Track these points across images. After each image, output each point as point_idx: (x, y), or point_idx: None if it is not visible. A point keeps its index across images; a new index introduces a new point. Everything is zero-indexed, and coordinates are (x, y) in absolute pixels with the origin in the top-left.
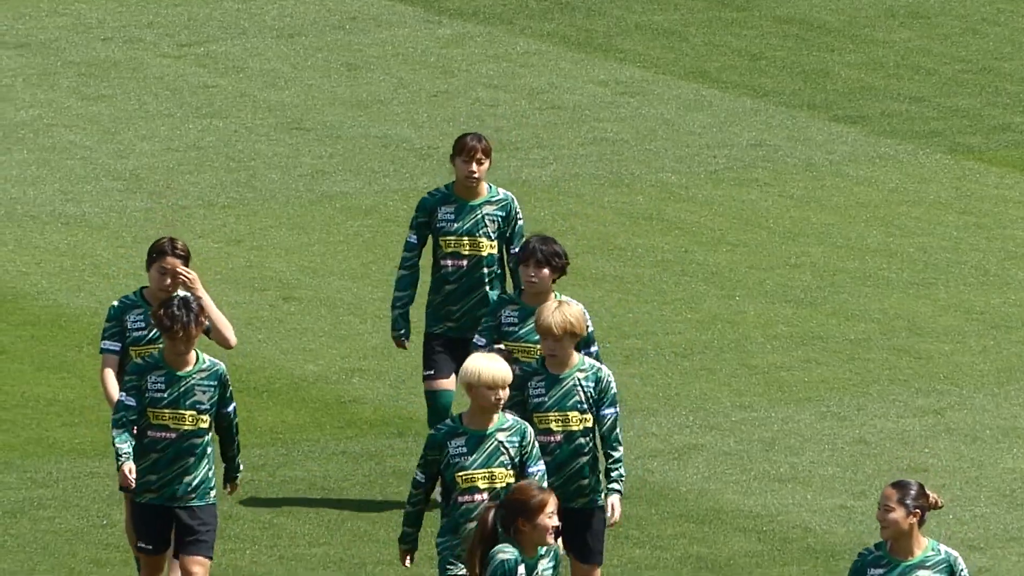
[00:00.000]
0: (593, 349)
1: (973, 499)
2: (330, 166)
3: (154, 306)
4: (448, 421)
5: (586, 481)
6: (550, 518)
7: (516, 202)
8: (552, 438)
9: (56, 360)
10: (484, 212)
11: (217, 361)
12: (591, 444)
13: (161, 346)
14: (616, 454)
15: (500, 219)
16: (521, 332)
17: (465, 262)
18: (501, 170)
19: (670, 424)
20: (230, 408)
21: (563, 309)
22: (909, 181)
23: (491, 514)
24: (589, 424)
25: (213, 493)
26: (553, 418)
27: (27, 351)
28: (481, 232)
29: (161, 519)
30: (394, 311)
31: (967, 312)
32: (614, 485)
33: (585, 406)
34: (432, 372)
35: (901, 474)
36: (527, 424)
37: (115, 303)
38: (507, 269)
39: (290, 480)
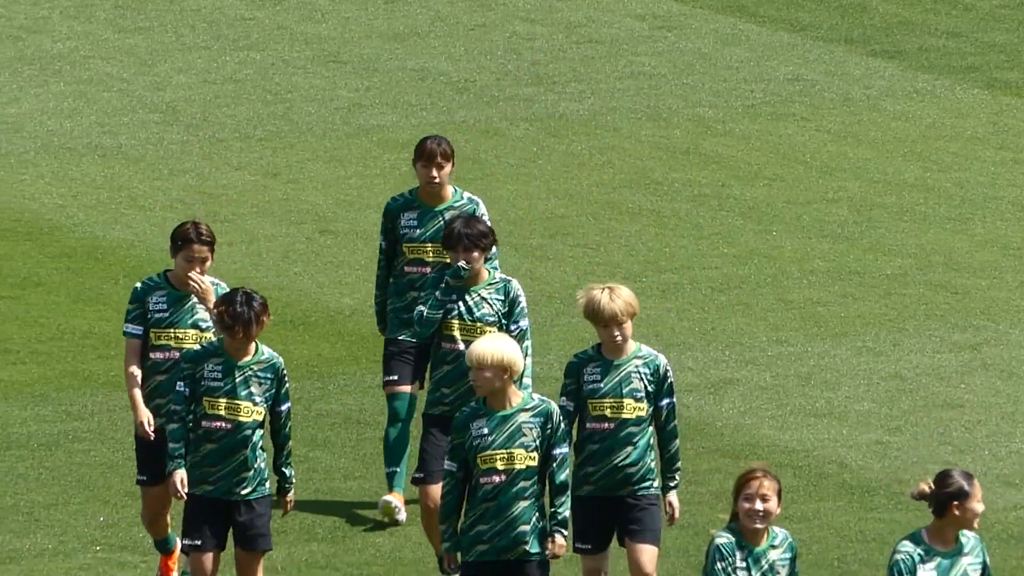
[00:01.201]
0: (523, 324)
1: (1009, 435)
2: (367, 99)
3: (216, 301)
4: (472, 403)
5: (634, 469)
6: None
7: (482, 206)
8: (605, 425)
9: (92, 292)
10: (447, 218)
11: (275, 354)
12: (644, 432)
13: (175, 332)
14: (673, 447)
15: None
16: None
17: (429, 268)
18: (538, 104)
19: (706, 358)
20: (284, 407)
21: (617, 292)
22: (946, 116)
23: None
24: (643, 413)
25: (268, 484)
26: (608, 405)
27: (63, 283)
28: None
29: (215, 512)
30: (376, 306)
31: (1004, 247)
32: (671, 481)
33: (641, 394)
34: (395, 378)
35: (937, 410)
36: (553, 404)
37: (138, 284)
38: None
39: (325, 414)
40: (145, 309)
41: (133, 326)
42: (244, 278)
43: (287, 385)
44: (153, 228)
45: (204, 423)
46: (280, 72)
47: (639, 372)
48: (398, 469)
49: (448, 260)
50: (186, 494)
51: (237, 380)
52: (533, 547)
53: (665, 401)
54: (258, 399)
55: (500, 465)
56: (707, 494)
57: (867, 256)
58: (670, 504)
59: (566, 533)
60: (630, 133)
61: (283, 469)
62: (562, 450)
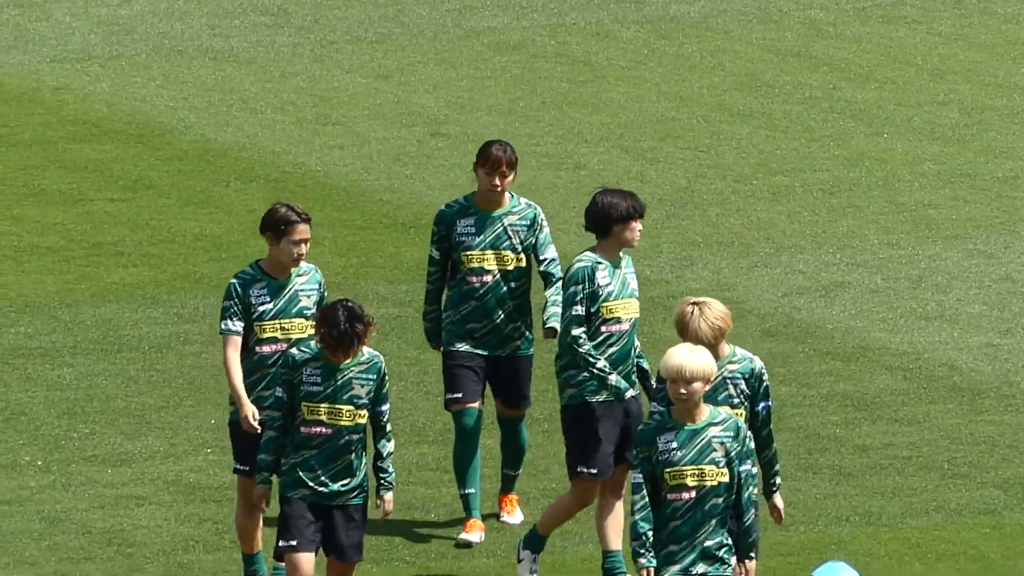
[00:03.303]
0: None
1: None
2: (478, 1)
3: (317, 319)
4: (656, 415)
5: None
6: None
7: (540, 211)
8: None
9: (203, 195)
10: (507, 223)
11: (376, 353)
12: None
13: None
14: (770, 452)
15: (524, 229)
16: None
17: (490, 277)
18: (650, 5)
19: (817, 261)
20: (384, 407)
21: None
22: None
23: None
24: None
25: (367, 492)
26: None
27: (174, 186)
28: (505, 245)
29: (314, 517)
30: (426, 323)
31: None
32: (773, 486)
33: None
34: (460, 395)
35: None
36: (740, 420)
37: (234, 280)
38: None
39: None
40: (246, 304)
41: (233, 323)
42: (355, 180)
43: (388, 387)
44: (264, 131)
45: (303, 428)
46: None
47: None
48: (473, 490)
49: (509, 267)
50: (286, 495)
51: (338, 383)
52: (717, 569)
53: (761, 405)
54: (360, 402)
55: (691, 482)
56: (818, 396)
57: (978, 159)
58: (775, 507)
59: (754, 555)
60: (741, 35)
61: (382, 468)
62: (746, 467)
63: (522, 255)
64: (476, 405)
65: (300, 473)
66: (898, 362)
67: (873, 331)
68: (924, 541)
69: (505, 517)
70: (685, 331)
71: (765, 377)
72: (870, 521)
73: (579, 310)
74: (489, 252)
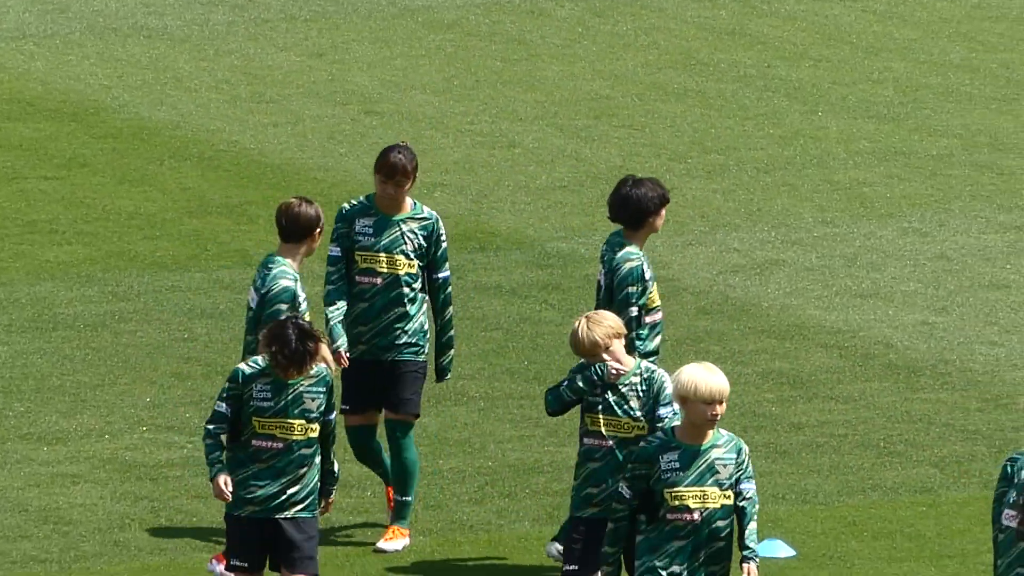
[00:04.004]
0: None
1: None
2: None
3: (265, 338)
4: (660, 434)
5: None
6: None
7: (441, 223)
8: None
9: (137, 173)
10: (404, 229)
11: (323, 367)
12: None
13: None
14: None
15: (422, 237)
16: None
17: (380, 280)
18: None
19: (752, 239)
20: (332, 416)
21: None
22: None
23: None
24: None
25: (316, 505)
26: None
27: (109, 164)
28: (399, 249)
29: (262, 533)
30: (329, 324)
31: None
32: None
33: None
34: (348, 408)
35: (983, 290)
36: (741, 440)
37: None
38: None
39: None
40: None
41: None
42: (290, 158)
43: (334, 396)
44: (198, 109)
45: (255, 442)
46: None
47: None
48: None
49: (401, 271)
50: (232, 514)
51: (289, 398)
52: None
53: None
54: (311, 415)
55: (692, 503)
56: (753, 374)
57: (913, 137)
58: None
59: (758, 561)
60: (675, 13)
61: (330, 471)
62: (750, 485)
63: (414, 262)
64: (364, 421)
65: (248, 487)
66: (833, 340)
67: (808, 309)
68: (860, 519)
69: (382, 543)
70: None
71: (668, 386)
72: (806, 499)
73: (635, 312)
74: (382, 255)
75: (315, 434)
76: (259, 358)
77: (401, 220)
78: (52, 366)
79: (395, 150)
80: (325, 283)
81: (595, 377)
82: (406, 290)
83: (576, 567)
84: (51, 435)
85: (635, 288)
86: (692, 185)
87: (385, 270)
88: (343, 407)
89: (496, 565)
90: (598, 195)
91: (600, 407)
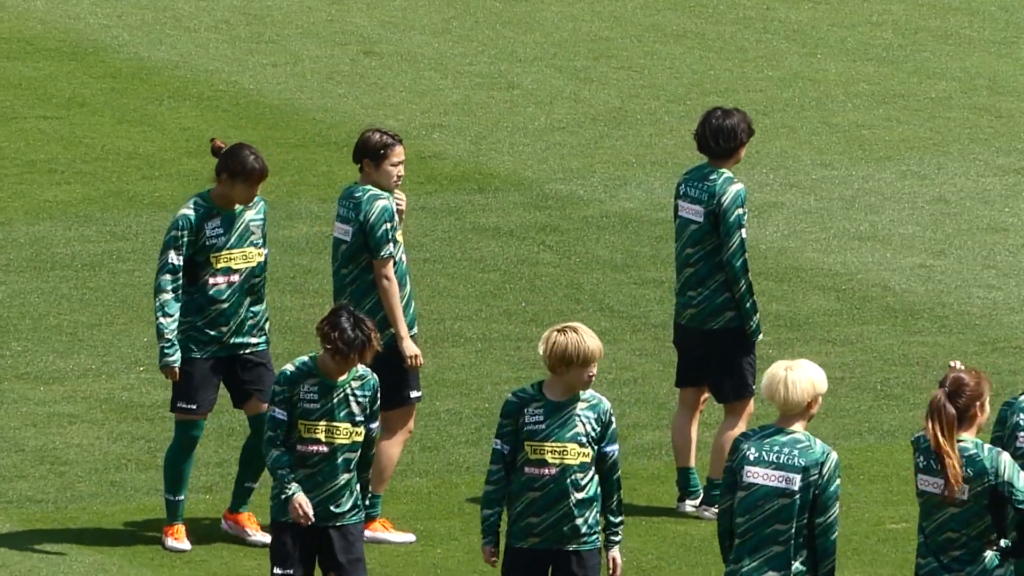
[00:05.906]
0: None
1: None
2: None
3: (321, 322)
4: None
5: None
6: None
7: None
8: (547, 470)
9: (136, 113)
10: (247, 220)
11: (368, 370)
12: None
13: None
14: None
15: (262, 223)
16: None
17: (237, 276)
18: None
19: (750, 181)
20: (374, 425)
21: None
22: None
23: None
24: (587, 460)
25: (362, 510)
26: (549, 448)
27: (107, 104)
28: (249, 242)
29: (309, 541)
30: (163, 340)
31: None
32: (614, 535)
33: (584, 439)
34: (194, 407)
35: (981, 233)
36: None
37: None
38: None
39: None
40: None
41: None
42: (288, 99)
43: (379, 403)
44: (197, 49)
45: (299, 447)
46: None
47: (581, 416)
48: (183, 497)
49: (254, 263)
50: (278, 520)
51: (336, 400)
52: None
53: (609, 448)
54: (357, 419)
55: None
56: None
57: (912, 79)
58: (614, 560)
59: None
60: None
61: (365, 486)
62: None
63: (263, 249)
64: (205, 418)
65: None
66: (831, 282)
67: (806, 251)
68: (856, 462)
69: (247, 531)
70: (586, 348)
71: (613, 421)
72: None
73: (745, 233)
74: (236, 251)
75: (360, 438)
76: (305, 357)
77: (241, 212)
78: (49, 306)
79: (251, 155)
80: (158, 291)
81: None
82: (257, 280)
83: None
84: (48, 375)
85: (743, 210)
86: (691, 127)
87: (241, 265)
88: (187, 404)
89: None
90: (596, 136)
91: None
